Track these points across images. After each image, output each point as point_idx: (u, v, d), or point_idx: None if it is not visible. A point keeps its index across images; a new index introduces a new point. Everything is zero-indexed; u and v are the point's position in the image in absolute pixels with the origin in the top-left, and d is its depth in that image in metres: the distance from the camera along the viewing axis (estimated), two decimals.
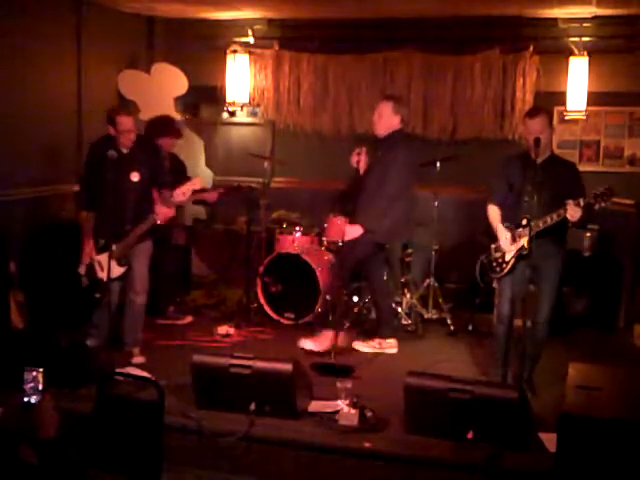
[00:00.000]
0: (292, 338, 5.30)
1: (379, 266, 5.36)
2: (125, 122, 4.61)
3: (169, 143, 5.70)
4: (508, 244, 4.30)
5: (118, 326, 4.81)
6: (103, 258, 4.61)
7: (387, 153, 4.92)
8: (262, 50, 7.18)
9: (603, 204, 3.87)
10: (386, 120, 4.95)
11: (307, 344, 5.07)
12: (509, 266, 4.30)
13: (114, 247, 4.57)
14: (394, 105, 4.97)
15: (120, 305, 4.83)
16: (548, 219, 4.05)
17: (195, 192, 5.77)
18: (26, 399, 2.54)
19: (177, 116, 6.88)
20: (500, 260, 4.36)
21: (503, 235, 4.34)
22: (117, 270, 4.63)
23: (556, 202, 4.06)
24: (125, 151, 4.64)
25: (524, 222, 4.14)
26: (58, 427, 2.37)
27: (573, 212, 3.93)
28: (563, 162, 4.41)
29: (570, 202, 3.92)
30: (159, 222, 4.65)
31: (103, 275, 4.60)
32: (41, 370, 2.56)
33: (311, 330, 5.40)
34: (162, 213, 4.62)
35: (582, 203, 3.90)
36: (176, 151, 6.27)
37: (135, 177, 4.59)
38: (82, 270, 4.72)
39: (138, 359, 4.79)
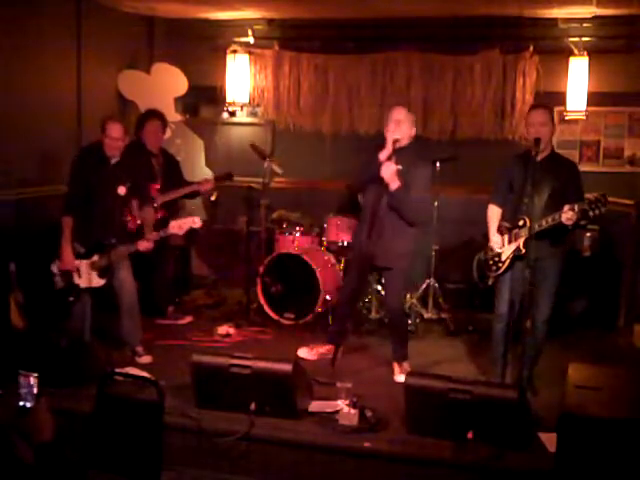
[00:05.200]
0: (292, 338, 5.30)
1: None
2: (112, 129, 4.62)
3: (152, 129, 5.58)
4: (498, 246, 4.34)
5: (117, 326, 4.82)
6: (82, 264, 4.66)
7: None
8: (262, 50, 7.17)
9: (597, 212, 3.87)
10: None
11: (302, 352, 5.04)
12: (505, 266, 4.32)
13: (97, 257, 4.65)
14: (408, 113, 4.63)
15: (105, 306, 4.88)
16: (544, 222, 4.06)
17: (187, 186, 5.78)
18: (21, 403, 2.53)
19: (177, 116, 6.89)
20: (496, 259, 4.37)
21: (494, 238, 4.38)
22: (96, 281, 4.69)
23: (554, 201, 4.08)
24: (113, 161, 4.67)
25: (521, 223, 4.18)
26: (54, 430, 2.36)
27: (568, 217, 3.94)
28: (563, 160, 4.41)
29: (566, 207, 3.93)
30: (139, 250, 4.69)
31: (80, 281, 4.66)
32: (36, 375, 2.54)
33: (311, 331, 5.41)
34: (143, 246, 4.67)
35: (577, 209, 3.91)
36: (176, 151, 6.26)
37: (122, 191, 4.59)
38: (56, 269, 4.72)
39: (144, 359, 4.80)
